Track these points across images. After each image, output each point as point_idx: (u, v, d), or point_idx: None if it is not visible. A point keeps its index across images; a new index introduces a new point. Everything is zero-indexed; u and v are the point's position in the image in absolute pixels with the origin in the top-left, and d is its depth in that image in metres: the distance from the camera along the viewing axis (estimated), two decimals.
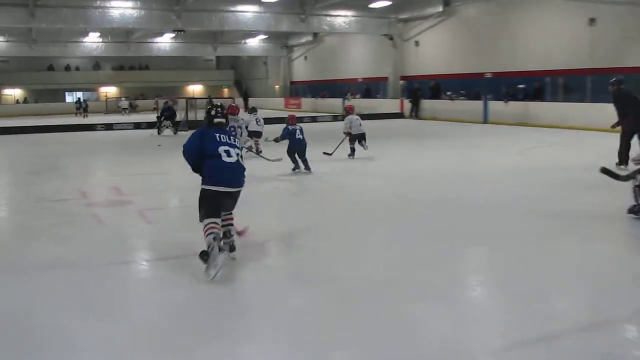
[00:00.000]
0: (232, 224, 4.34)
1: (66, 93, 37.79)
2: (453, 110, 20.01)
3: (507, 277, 3.79)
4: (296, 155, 8.53)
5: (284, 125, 8.62)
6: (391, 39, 24.33)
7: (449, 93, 21.07)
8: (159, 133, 15.63)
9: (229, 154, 4.20)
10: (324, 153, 10.04)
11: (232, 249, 4.30)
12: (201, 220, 4.09)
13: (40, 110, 31.72)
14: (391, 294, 3.52)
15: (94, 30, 27.06)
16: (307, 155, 8.47)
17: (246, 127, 9.79)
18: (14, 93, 36.48)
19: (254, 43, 33.53)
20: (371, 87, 27.08)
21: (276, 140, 8.81)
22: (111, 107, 30.79)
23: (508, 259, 4.19)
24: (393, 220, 5.43)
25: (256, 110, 12.60)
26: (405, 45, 24.15)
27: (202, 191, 4.14)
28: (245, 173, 4.24)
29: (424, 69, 23.57)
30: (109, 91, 37.17)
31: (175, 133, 15.90)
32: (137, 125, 19.07)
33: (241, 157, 4.24)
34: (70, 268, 4.28)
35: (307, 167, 8.49)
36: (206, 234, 4.00)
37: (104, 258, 4.51)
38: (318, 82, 32.50)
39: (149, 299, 3.71)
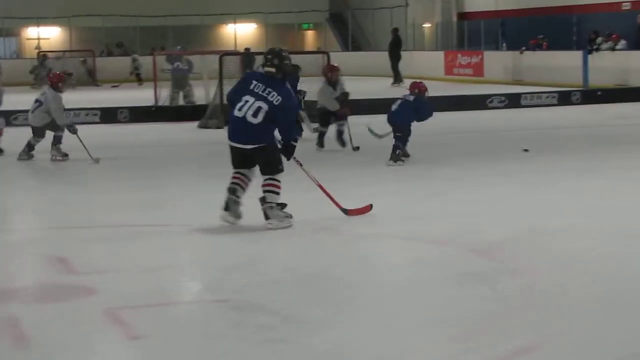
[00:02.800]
0: (269, 190, 8.65)
1: None
2: None
3: None
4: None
5: None
6: None
7: None
8: None
9: (241, 108, 8.61)
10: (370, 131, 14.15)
11: (266, 216, 8.70)
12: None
13: None
14: None
15: None
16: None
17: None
18: None
19: None
20: None
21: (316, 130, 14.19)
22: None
23: None
24: None
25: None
26: None
27: None
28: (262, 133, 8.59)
29: None
30: (47, 37, 39.14)
31: None
32: (111, 115, 19.94)
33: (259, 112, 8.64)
34: None
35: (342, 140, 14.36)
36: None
37: None
38: (524, 15, 32.67)
39: None
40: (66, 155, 13.69)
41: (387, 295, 6.78)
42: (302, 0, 41.73)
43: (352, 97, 16.04)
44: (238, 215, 8.78)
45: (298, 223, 9.23)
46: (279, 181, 8.67)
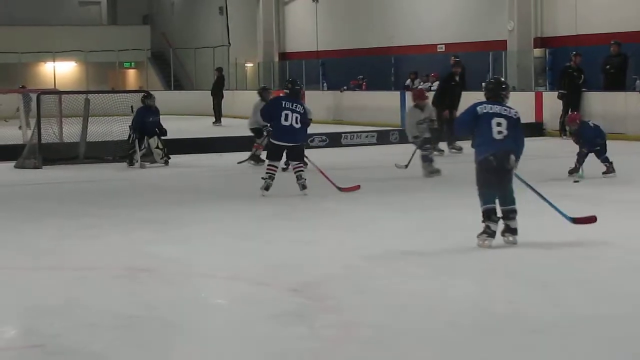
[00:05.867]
0: (302, 170, 13.17)
1: None
2: None
3: None
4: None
5: None
6: None
7: None
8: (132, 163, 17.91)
9: (286, 119, 13.00)
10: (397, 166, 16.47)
11: (303, 187, 13.08)
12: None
13: None
14: None
15: None
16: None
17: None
18: None
19: None
20: (466, 66, 27.67)
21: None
22: None
23: None
24: None
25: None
26: None
27: None
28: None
29: (595, 22, 23.76)
30: None
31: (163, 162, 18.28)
32: None
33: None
34: None
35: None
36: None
37: None
38: (343, 56, 33.05)
39: None
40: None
41: (208, 337, 6.65)
42: (123, 39, 41.04)
43: (175, 136, 16.35)
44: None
45: (116, 265, 9.04)
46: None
